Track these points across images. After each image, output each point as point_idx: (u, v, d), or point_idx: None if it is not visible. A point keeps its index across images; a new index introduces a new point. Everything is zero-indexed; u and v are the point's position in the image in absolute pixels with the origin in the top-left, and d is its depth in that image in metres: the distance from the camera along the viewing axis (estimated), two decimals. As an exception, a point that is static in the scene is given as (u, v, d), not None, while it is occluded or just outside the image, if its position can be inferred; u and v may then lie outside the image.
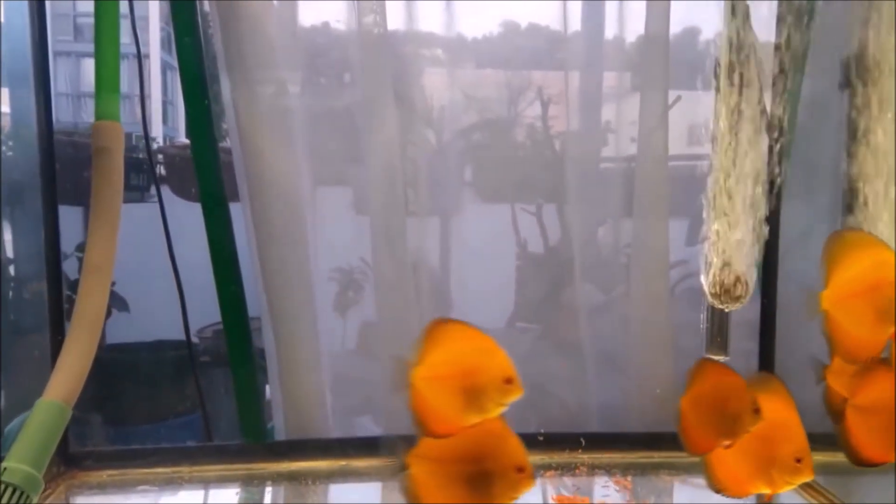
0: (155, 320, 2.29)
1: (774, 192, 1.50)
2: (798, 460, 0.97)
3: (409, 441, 0.90)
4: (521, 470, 0.86)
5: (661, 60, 1.64)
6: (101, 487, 1.43)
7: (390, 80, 1.60)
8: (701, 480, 1.51)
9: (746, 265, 1.29)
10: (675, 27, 1.70)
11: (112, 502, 1.39)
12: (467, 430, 0.88)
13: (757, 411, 0.97)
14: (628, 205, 1.72)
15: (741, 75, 1.41)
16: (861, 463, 1.03)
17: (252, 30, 1.54)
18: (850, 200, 1.46)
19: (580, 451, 1.59)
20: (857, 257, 1.00)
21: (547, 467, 1.54)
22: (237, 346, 1.57)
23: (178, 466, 1.48)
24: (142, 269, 1.94)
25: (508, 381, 0.88)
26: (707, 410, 1.02)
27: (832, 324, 0.99)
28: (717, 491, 1.05)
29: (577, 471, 1.53)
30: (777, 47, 1.49)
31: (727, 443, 1.00)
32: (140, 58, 1.69)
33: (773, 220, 1.51)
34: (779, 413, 0.99)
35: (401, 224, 1.63)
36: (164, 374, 2.44)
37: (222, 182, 1.59)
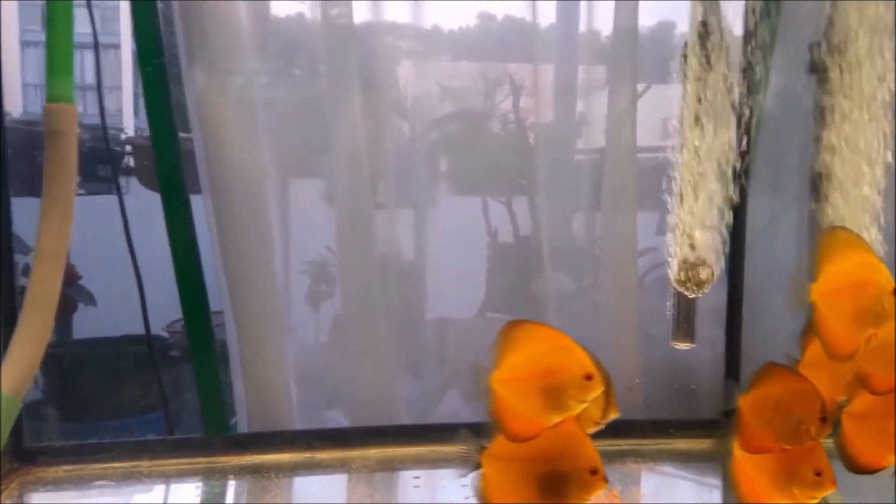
0: (123, 314, 2.25)
1: (741, 180, 1.51)
2: (818, 474, 0.96)
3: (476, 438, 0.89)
4: (594, 472, 0.86)
5: (630, 53, 1.64)
6: (57, 484, 1.39)
7: (356, 71, 1.58)
8: (668, 468, 1.53)
9: (711, 251, 1.29)
10: (651, 20, 1.71)
11: (68, 500, 1.35)
12: (546, 431, 0.87)
13: (824, 419, 0.95)
14: (599, 196, 1.72)
15: (708, 62, 1.40)
16: (859, 470, 1.04)
17: (215, 18, 1.51)
18: (817, 187, 1.47)
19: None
20: (847, 255, 1.02)
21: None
22: (198, 337, 1.53)
23: (138, 461, 1.44)
24: (110, 262, 1.90)
25: (588, 377, 0.87)
26: (770, 413, 1.00)
27: (819, 316, 1.01)
28: None
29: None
30: (745, 34, 1.49)
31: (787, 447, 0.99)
32: (97, 46, 1.65)
33: (739, 207, 1.52)
34: None
35: (368, 216, 1.62)
36: (132, 368, 2.39)
37: (183, 173, 1.56)
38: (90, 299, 2.60)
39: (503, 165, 1.86)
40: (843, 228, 1.26)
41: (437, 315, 1.83)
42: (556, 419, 0.87)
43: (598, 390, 0.87)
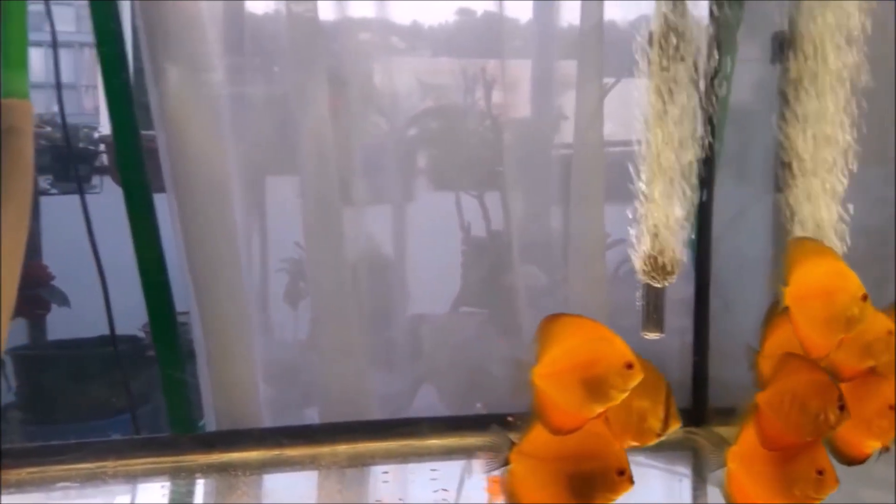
0: (98, 315, 2.23)
1: (707, 170, 1.51)
2: (820, 472, 0.94)
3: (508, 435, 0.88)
4: (621, 472, 0.85)
5: (596, 49, 1.65)
6: (20, 486, 1.37)
7: (323, 67, 1.57)
8: (638, 457, 1.52)
9: (676, 241, 1.29)
10: (628, 15, 1.70)
11: (32, 502, 1.33)
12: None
13: (843, 408, 0.93)
14: (578, 191, 1.72)
15: (674, 50, 1.40)
16: (849, 462, 1.04)
17: (177, 12, 1.49)
18: (780, 177, 1.47)
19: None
20: (816, 263, 1.03)
21: (481, 449, 1.54)
22: (163, 336, 1.52)
23: (103, 461, 1.42)
24: (85, 262, 1.87)
25: (629, 365, 0.87)
26: (787, 407, 0.97)
27: (794, 319, 1.02)
28: None
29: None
30: (710, 23, 1.49)
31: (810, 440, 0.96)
32: (55, 43, 1.62)
33: (705, 198, 1.52)
34: None
35: (336, 213, 1.60)
36: (106, 369, 2.37)
37: (146, 171, 1.53)
38: (63, 300, 2.57)
39: (476, 161, 1.85)
40: (811, 239, 1.28)
41: (410, 311, 1.82)
42: (599, 410, 0.87)
43: (638, 378, 0.87)
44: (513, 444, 0.87)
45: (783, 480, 0.95)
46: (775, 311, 1.07)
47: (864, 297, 0.99)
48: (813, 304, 1.01)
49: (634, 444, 0.95)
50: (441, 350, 1.84)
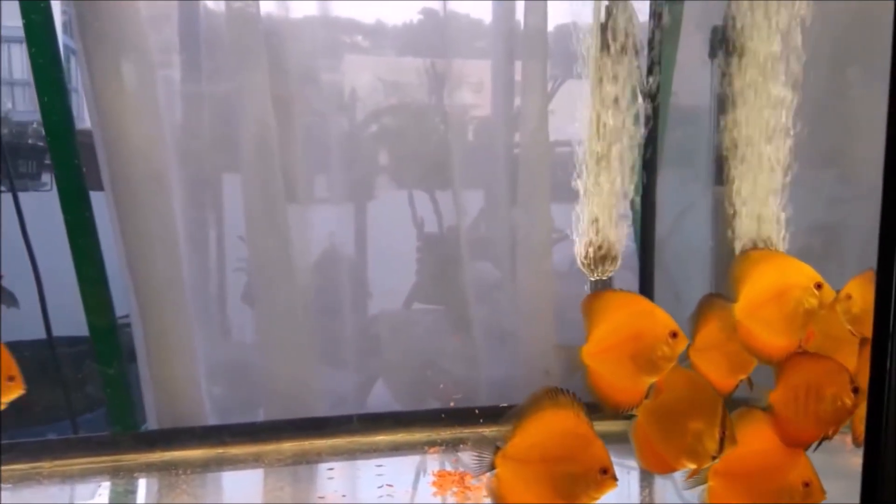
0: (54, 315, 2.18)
1: (650, 164, 1.52)
2: (807, 484, 0.95)
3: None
4: (604, 471, 0.87)
5: (541, 51, 1.65)
6: (-50, 489, 1.33)
7: (266, 65, 1.55)
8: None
9: (614, 232, 1.30)
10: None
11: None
12: (557, 429, 0.89)
13: (856, 390, 0.94)
14: (525, 189, 1.72)
15: (617, 44, 1.41)
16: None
17: (112, 6, 1.46)
18: (719, 171, 1.49)
19: (473, 426, 1.58)
20: (763, 270, 1.05)
21: (432, 444, 1.53)
22: (101, 334, 1.49)
23: (38, 462, 1.39)
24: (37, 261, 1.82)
25: (673, 334, 0.91)
26: (802, 401, 0.98)
27: (745, 333, 1.03)
28: None
29: (462, 446, 1.52)
30: (651, 18, 1.51)
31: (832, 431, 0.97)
32: (-1, 39, 1.57)
33: (648, 191, 1.54)
34: (774, 441, 0.98)
35: (281, 209, 1.58)
36: (57, 372, 2.31)
37: (81, 169, 1.50)
38: (12, 300, 2.51)
39: (431, 158, 1.85)
40: (755, 249, 1.31)
41: (362, 308, 1.81)
42: (650, 381, 0.92)
43: (684, 345, 0.92)
44: (497, 448, 0.89)
45: (768, 494, 0.95)
46: (706, 306, 1.08)
47: (819, 286, 1.00)
48: (767, 311, 1.02)
49: (691, 465, 0.95)
50: (395, 346, 1.83)
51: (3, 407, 0.98)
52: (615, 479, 0.88)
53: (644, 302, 0.96)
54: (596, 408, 0.95)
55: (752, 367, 1.08)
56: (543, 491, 0.88)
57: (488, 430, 1.56)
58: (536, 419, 0.88)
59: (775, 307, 1.02)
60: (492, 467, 0.88)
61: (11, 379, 0.96)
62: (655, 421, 0.98)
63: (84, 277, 1.47)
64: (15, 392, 0.98)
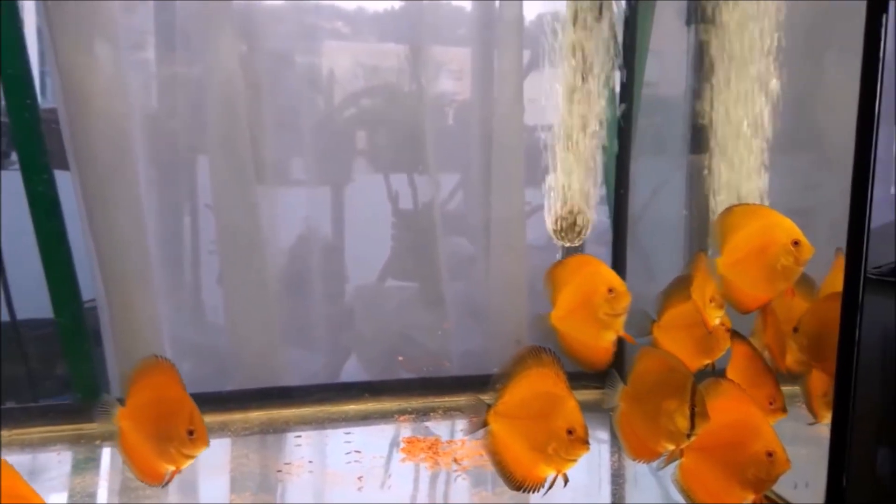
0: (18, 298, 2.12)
1: (622, 137, 1.52)
2: (770, 454, 0.94)
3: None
4: (570, 432, 0.89)
5: (515, 38, 1.64)
6: None
7: (235, 48, 1.53)
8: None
9: (584, 201, 1.29)
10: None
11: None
12: (543, 391, 0.92)
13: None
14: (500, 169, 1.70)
15: (592, 12, 1.40)
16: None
17: None
18: (695, 139, 1.49)
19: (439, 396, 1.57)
20: (745, 224, 1.06)
21: (403, 412, 1.52)
22: (62, 301, 1.45)
23: (-4, 430, 1.35)
24: (14, 242, 1.77)
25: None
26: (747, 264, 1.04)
27: (726, 285, 1.05)
28: None
29: (433, 414, 1.51)
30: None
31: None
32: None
33: (622, 164, 1.53)
34: (739, 413, 0.96)
35: (249, 189, 1.56)
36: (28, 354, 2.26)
37: (45, 148, 1.46)
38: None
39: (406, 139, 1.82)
40: (739, 204, 1.29)
41: (335, 283, 1.79)
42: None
43: (625, 301, 1.01)
44: (488, 406, 0.92)
45: (735, 465, 0.95)
46: (677, 286, 1.09)
47: (796, 243, 1.00)
48: (746, 265, 1.03)
49: (670, 446, 0.94)
50: (368, 321, 1.81)
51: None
52: (585, 442, 0.89)
53: (593, 261, 1.05)
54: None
55: (720, 353, 1.09)
56: (530, 446, 0.91)
57: (462, 399, 1.55)
58: (522, 377, 0.91)
59: (754, 263, 1.03)
60: (485, 424, 0.92)
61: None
62: (634, 408, 1.00)
63: (47, 254, 1.44)
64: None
